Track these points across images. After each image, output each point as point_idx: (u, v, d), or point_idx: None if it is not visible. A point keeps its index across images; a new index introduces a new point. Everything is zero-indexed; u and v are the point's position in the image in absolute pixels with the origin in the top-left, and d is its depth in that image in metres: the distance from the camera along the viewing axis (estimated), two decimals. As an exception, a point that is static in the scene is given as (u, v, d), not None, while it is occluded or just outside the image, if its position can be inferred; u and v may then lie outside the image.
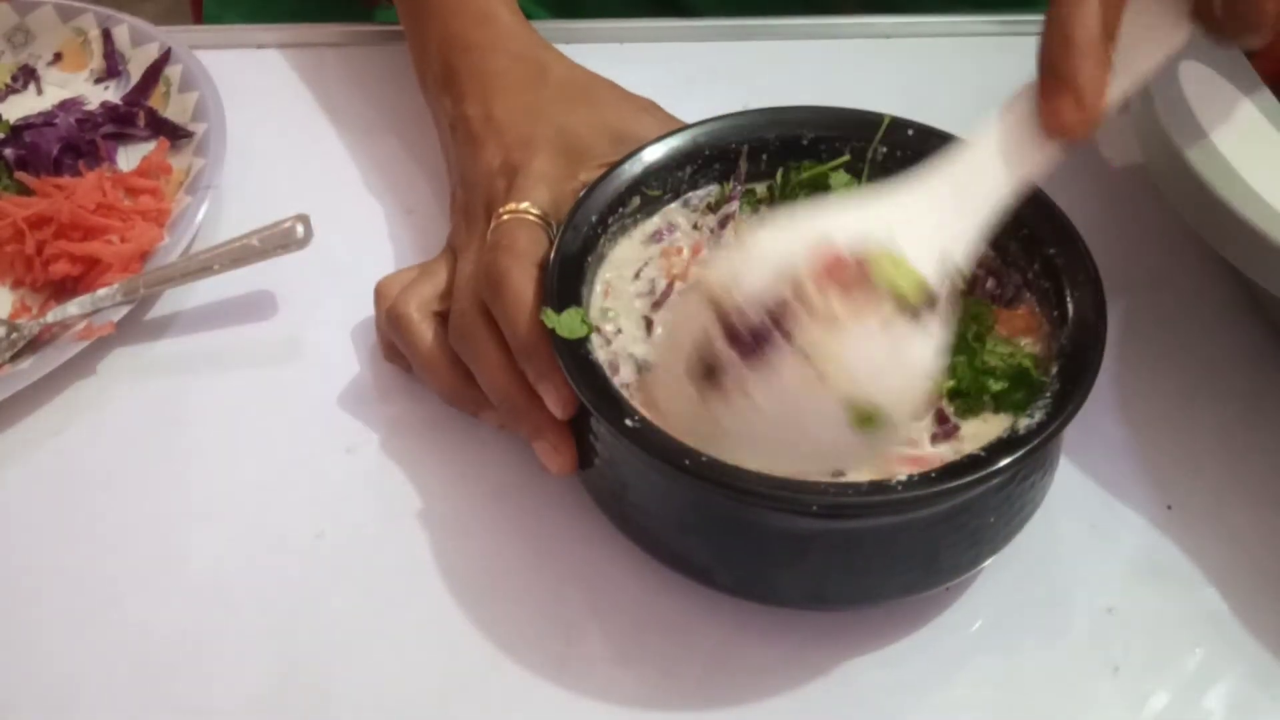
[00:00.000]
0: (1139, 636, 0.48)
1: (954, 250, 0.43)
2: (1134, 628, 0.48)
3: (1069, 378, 0.45)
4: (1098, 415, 0.54)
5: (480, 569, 0.50)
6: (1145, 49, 0.43)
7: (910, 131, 0.53)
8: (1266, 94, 0.52)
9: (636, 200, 0.52)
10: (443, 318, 0.53)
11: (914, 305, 0.42)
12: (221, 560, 0.51)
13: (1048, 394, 0.44)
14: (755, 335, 0.41)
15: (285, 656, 0.48)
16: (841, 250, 0.41)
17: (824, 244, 0.42)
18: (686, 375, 0.43)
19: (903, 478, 0.42)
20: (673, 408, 0.45)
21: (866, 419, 0.42)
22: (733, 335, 0.42)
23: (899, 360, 0.42)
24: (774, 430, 0.43)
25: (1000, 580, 0.49)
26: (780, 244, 0.43)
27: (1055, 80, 0.42)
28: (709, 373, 0.43)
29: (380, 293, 0.55)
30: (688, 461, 0.43)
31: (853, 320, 0.41)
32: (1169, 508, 0.52)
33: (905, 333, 0.42)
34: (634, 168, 0.52)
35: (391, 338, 0.54)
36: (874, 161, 0.53)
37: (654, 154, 0.53)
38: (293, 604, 0.49)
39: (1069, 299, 0.47)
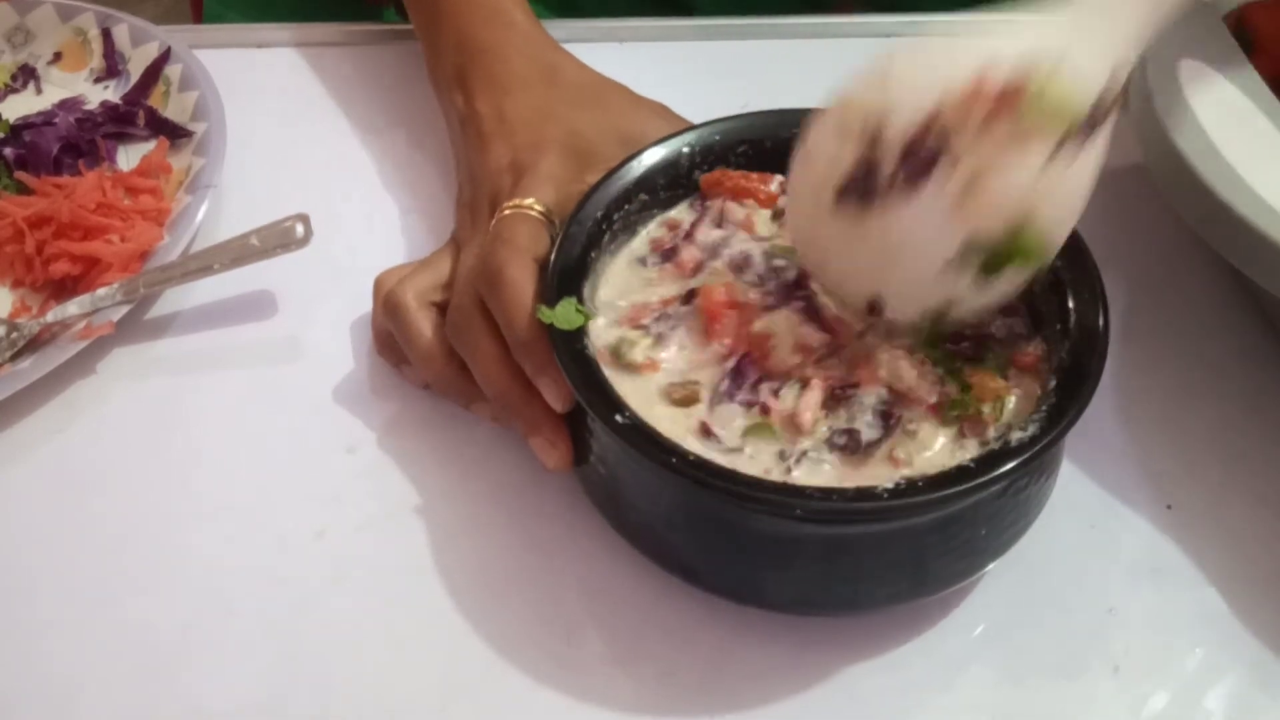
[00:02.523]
0: (1139, 636, 0.48)
1: (1126, 57, 0.41)
2: (1134, 628, 0.48)
3: (1067, 391, 0.44)
4: (1098, 416, 0.54)
5: (480, 569, 0.50)
6: None
7: None
8: (1266, 94, 0.52)
9: (643, 198, 0.52)
10: (440, 308, 0.53)
11: (1078, 129, 0.40)
12: (221, 560, 0.51)
13: (1044, 407, 0.44)
14: (917, 161, 0.40)
15: (285, 656, 0.48)
16: (1006, 76, 0.39)
17: (988, 69, 0.39)
18: (828, 196, 0.42)
19: (889, 485, 0.42)
20: (802, 228, 0.45)
21: (995, 265, 0.41)
22: (894, 158, 0.40)
23: (1054, 193, 0.41)
24: (901, 256, 0.42)
25: (1001, 580, 0.49)
26: (940, 68, 0.40)
27: None
28: (858, 195, 0.41)
29: (379, 283, 0.56)
30: (675, 460, 0.42)
31: (1017, 150, 0.39)
32: (1169, 508, 0.52)
33: (1063, 161, 0.40)
34: (639, 166, 0.52)
35: (388, 326, 0.54)
36: None
37: (660, 153, 0.52)
38: (293, 604, 0.49)
39: (1071, 310, 0.47)
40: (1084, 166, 0.41)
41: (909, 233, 0.42)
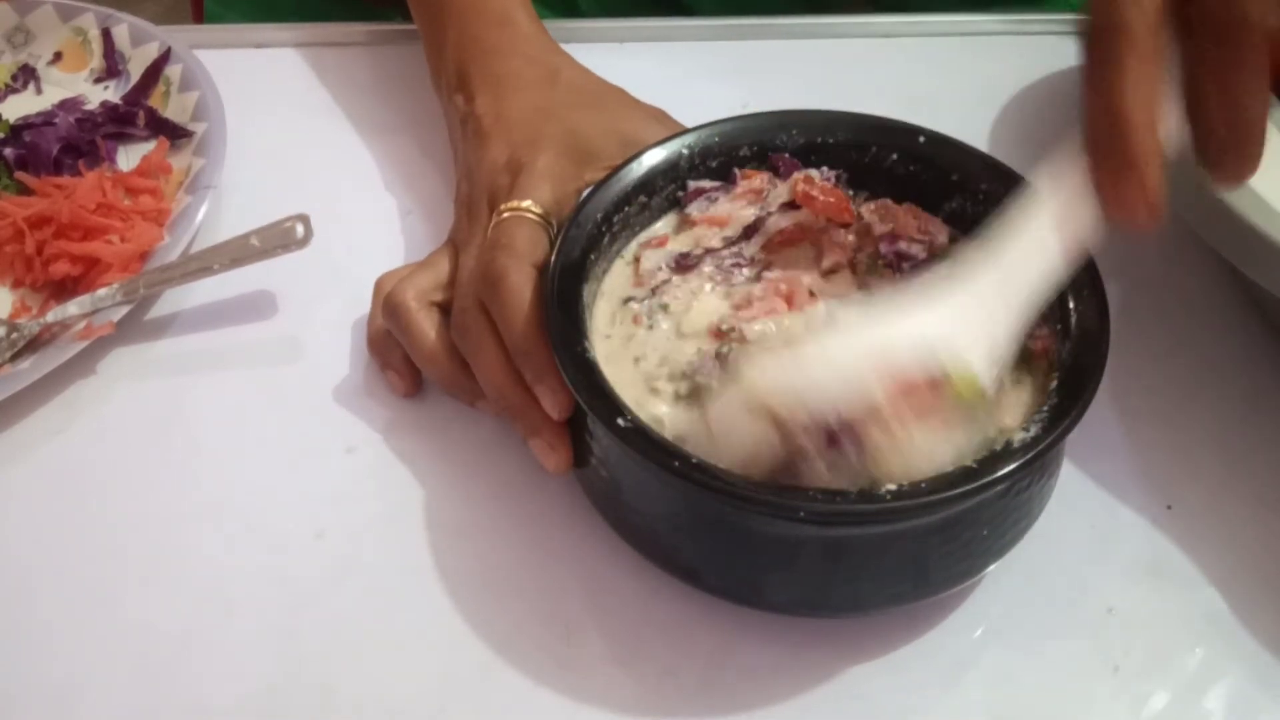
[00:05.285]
0: (1139, 636, 0.48)
1: (1003, 340, 0.43)
2: (1134, 628, 0.48)
3: (1067, 391, 0.44)
4: (1098, 416, 0.54)
5: (480, 569, 0.50)
6: None
7: (921, 139, 0.52)
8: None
9: (642, 200, 0.52)
10: (440, 308, 0.54)
11: (975, 410, 0.42)
12: (221, 560, 0.51)
13: (1045, 407, 0.44)
14: (831, 444, 0.41)
15: (285, 656, 0.48)
16: (913, 371, 0.41)
17: (895, 365, 0.41)
18: (752, 470, 0.43)
19: (892, 488, 0.42)
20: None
21: None
22: (803, 449, 0.42)
23: (944, 454, 0.43)
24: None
25: (1001, 581, 0.49)
26: (844, 357, 0.41)
27: (1114, 162, 0.40)
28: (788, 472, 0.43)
29: (379, 285, 0.56)
30: (678, 463, 0.42)
31: (922, 435, 0.41)
32: (1169, 508, 0.52)
33: (958, 431, 0.43)
34: (639, 168, 0.52)
35: (389, 327, 0.54)
36: (883, 167, 0.53)
37: (661, 154, 0.52)
38: (293, 604, 0.49)
39: (1071, 310, 0.47)
40: (967, 435, 0.43)
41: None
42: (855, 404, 0.40)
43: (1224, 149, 0.41)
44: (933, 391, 0.41)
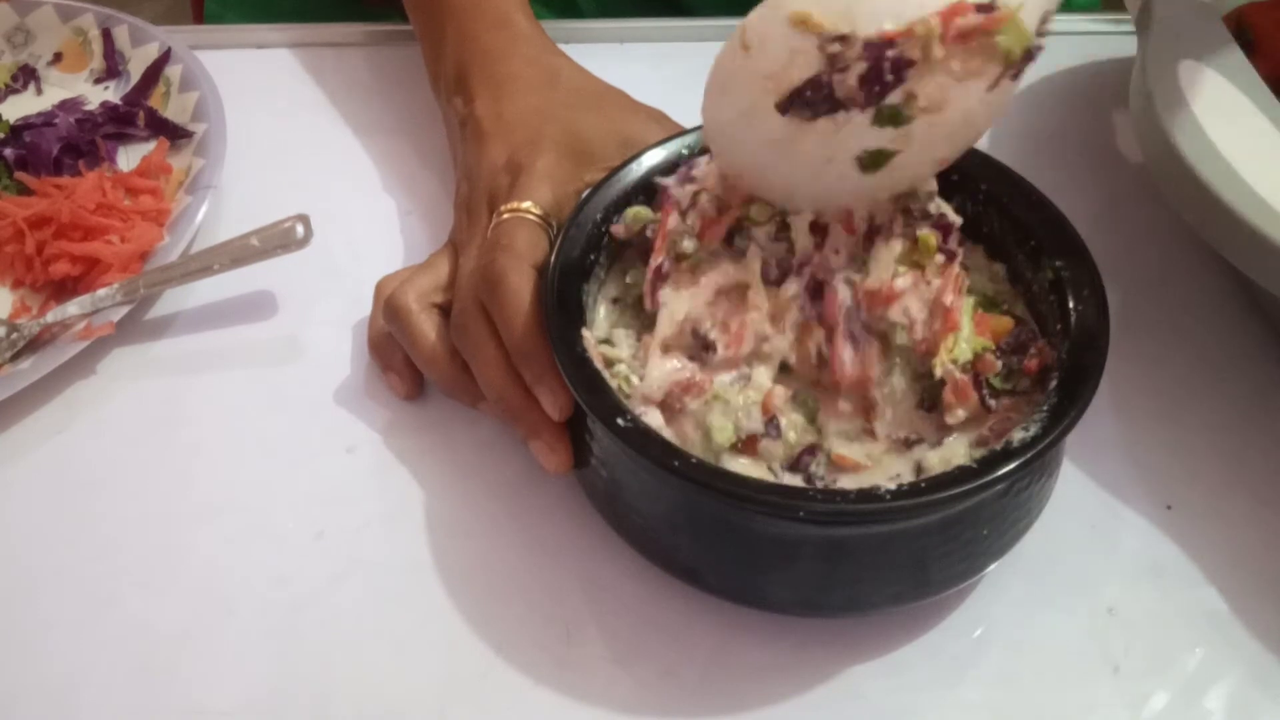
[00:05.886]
0: (1139, 636, 0.48)
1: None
2: (1134, 628, 0.48)
3: (1067, 391, 0.44)
4: (1098, 416, 0.54)
5: (480, 569, 0.50)
6: None
7: None
8: (1266, 94, 0.52)
9: (642, 199, 0.52)
10: (441, 310, 0.54)
11: (1017, 66, 0.41)
12: (221, 560, 0.51)
13: (1045, 407, 0.44)
14: (875, 81, 0.40)
15: (285, 656, 0.48)
16: (972, 8, 0.39)
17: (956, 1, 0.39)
18: (771, 97, 0.42)
19: (891, 487, 0.42)
20: (729, 121, 0.44)
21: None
22: (853, 76, 0.40)
23: (978, 119, 0.42)
24: (831, 159, 0.43)
25: (1001, 581, 0.49)
26: None
27: None
28: (810, 106, 0.41)
29: (379, 288, 0.56)
30: (678, 463, 0.43)
31: (966, 80, 0.40)
32: (1169, 508, 0.52)
33: (1002, 90, 0.41)
34: (639, 168, 0.52)
35: (390, 330, 0.54)
36: None
37: (660, 155, 0.52)
38: (293, 604, 0.49)
39: (1072, 311, 0.47)
40: (1001, 98, 0.42)
41: (845, 147, 0.42)
42: (906, 21, 0.39)
43: None
44: (984, 25, 0.39)
